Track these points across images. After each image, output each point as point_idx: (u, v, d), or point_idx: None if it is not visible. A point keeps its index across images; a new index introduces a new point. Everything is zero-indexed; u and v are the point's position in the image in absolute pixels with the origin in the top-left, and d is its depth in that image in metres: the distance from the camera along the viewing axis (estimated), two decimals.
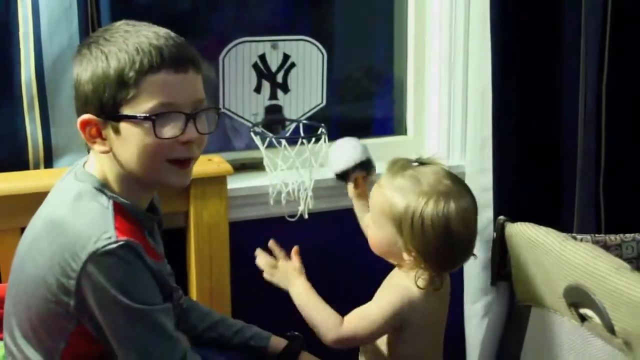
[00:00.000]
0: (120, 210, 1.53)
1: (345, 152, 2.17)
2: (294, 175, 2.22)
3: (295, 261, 1.98)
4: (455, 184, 1.85)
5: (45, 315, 1.51)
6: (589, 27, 2.46)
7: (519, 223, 2.21)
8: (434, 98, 2.57)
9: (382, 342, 1.91)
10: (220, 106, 2.34)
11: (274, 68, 2.39)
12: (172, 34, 1.55)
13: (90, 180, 1.56)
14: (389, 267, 1.96)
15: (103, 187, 1.55)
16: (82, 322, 1.50)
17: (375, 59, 2.77)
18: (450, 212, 1.78)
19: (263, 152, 2.19)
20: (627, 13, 2.49)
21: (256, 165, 2.35)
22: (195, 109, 1.55)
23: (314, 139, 2.19)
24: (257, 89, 2.39)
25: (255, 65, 2.37)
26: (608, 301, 1.89)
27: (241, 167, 2.35)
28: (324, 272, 2.39)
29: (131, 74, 1.47)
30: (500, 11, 2.33)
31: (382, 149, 2.21)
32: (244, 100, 2.37)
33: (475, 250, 1.90)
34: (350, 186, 2.18)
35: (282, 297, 1.96)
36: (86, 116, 1.52)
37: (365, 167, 2.16)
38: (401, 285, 1.85)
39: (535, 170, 2.51)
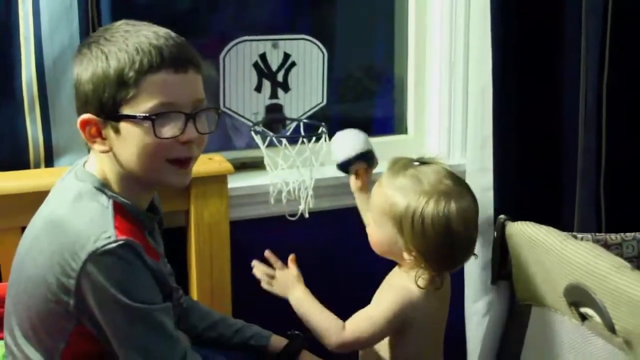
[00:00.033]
0: (120, 209, 1.53)
1: (346, 142, 2.16)
2: (294, 174, 2.22)
3: (292, 269, 1.98)
4: (456, 184, 1.85)
5: (45, 314, 1.51)
6: (589, 25, 2.46)
7: (519, 222, 2.22)
8: (434, 97, 2.57)
9: (383, 342, 1.91)
10: (221, 105, 2.34)
11: (274, 67, 2.39)
12: (172, 33, 1.55)
13: (90, 180, 1.56)
14: (390, 267, 1.96)
15: (103, 186, 1.55)
16: (82, 322, 1.50)
17: (375, 58, 2.77)
18: (451, 212, 1.78)
19: (264, 151, 2.19)
20: (627, 11, 2.50)
21: (257, 165, 2.35)
22: (195, 109, 1.55)
23: (314, 138, 2.19)
24: (258, 88, 2.39)
25: (255, 65, 2.37)
26: (608, 300, 1.89)
27: (242, 166, 2.35)
28: (325, 271, 2.40)
29: (131, 73, 1.48)
30: (500, 10, 2.33)
31: (382, 148, 2.20)
32: (244, 99, 2.37)
33: (476, 250, 1.90)
34: (352, 178, 2.17)
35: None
36: (86, 116, 1.52)
37: (366, 158, 2.14)
38: (401, 286, 1.85)
39: (535, 169, 2.51)
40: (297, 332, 1.95)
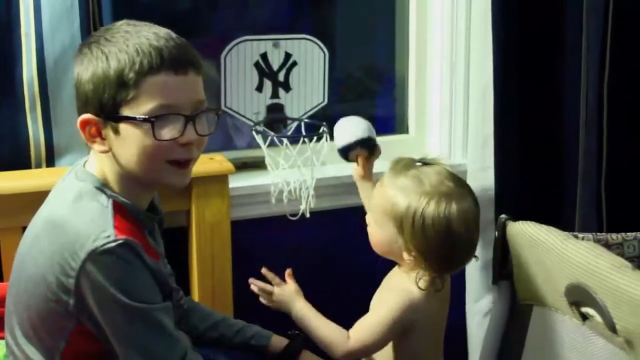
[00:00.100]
0: (120, 209, 1.53)
1: (348, 128, 2.15)
2: (295, 174, 2.22)
3: (290, 284, 1.98)
4: (458, 186, 1.85)
5: (45, 314, 1.51)
6: (590, 26, 2.46)
7: (520, 222, 2.21)
8: (435, 96, 2.57)
9: None
10: (222, 105, 2.34)
11: (275, 67, 2.39)
12: (173, 34, 1.55)
13: (90, 180, 1.56)
14: (390, 266, 1.96)
15: (103, 186, 1.55)
16: (82, 321, 1.50)
17: (376, 57, 2.77)
18: (452, 213, 1.78)
19: (265, 150, 2.20)
20: (628, 12, 2.50)
21: (258, 164, 2.35)
22: (195, 111, 1.54)
23: (315, 138, 2.19)
24: (259, 88, 2.39)
25: (256, 64, 2.37)
26: (609, 300, 1.89)
27: (243, 166, 2.35)
28: (326, 271, 2.40)
29: (131, 75, 1.48)
30: (501, 9, 2.33)
31: (383, 148, 2.20)
32: (245, 99, 2.37)
33: (477, 250, 1.90)
34: (354, 166, 2.17)
35: None
36: (86, 116, 1.53)
37: (366, 145, 2.12)
38: (402, 289, 1.85)
39: (536, 169, 2.51)
40: (297, 332, 1.95)
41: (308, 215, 2.25)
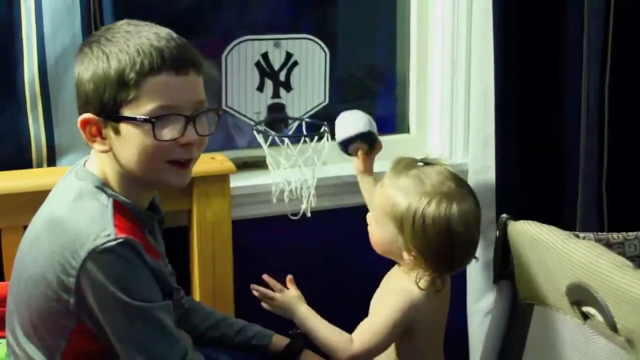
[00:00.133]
0: (120, 208, 1.53)
1: (348, 122, 2.15)
2: (296, 173, 2.22)
3: (292, 289, 1.98)
4: (459, 186, 1.85)
5: (46, 313, 1.51)
6: (591, 26, 2.46)
7: (521, 221, 2.21)
8: (436, 96, 2.57)
9: None
10: (223, 104, 2.34)
11: (276, 66, 2.39)
12: (174, 34, 1.55)
13: (90, 179, 1.56)
14: (391, 266, 1.96)
15: (103, 185, 1.55)
16: (83, 320, 1.50)
17: (377, 57, 2.77)
18: (452, 213, 1.78)
19: (266, 150, 2.20)
20: (629, 13, 2.50)
21: (259, 164, 2.35)
22: (196, 111, 1.54)
23: (316, 138, 2.19)
24: (260, 88, 2.39)
25: (257, 64, 2.37)
26: (610, 299, 1.89)
27: (244, 166, 2.35)
28: (327, 271, 2.40)
29: (132, 75, 1.48)
30: (502, 9, 2.33)
31: (384, 147, 2.20)
32: (246, 98, 2.37)
33: (478, 249, 1.90)
34: (355, 161, 2.17)
35: None
36: (86, 115, 1.53)
37: (366, 138, 2.12)
38: (402, 289, 1.85)
39: (537, 169, 2.51)
40: (298, 331, 1.95)
41: (309, 214, 2.25)
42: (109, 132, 1.52)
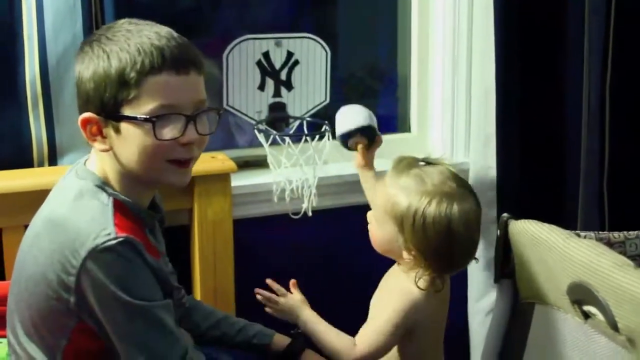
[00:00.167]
0: (120, 207, 1.53)
1: (348, 116, 2.15)
2: (297, 172, 2.22)
3: (296, 293, 1.99)
4: (460, 187, 1.84)
5: (46, 312, 1.52)
6: (592, 25, 2.46)
7: (522, 220, 2.21)
8: (437, 95, 2.57)
9: None
10: (224, 103, 2.35)
11: (277, 65, 2.39)
12: (175, 33, 1.55)
13: (91, 178, 1.56)
14: (392, 265, 1.96)
15: (104, 184, 1.56)
16: (83, 319, 1.50)
17: (379, 56, 2.77)
18: (453, 213, 1.78)
19: (267, 149, 2.20)
20: (630, 11, 2.50)
21: (260, 163, 2.35)
22: (196, 110, 1.55)
23: (317, 137, 2.20)
24: (261, 87, 2.39)
25: (259, 63, 2.37)
26: (611, 298, 1.89)
27: (245, 165, 2.35)
28: (328, 270, 2.40)
29: (132, 74, 1.48)
30: (503, 8, 2.33)
31: (385, 147, 2.21)
32: (247, 97, 2.38)
33: (479, 248, 1.90)
34: (356, 155, 2.17)
35: None
36: (87, 114, 1.53)
37: (365, 133, 2.12)
38: (402, 290, 1.85)
39: (538, 168, 2.51)
40: (299, 330, 1.95)
41: (310, 214, 2.25)
42: (109, 131, 1.52)
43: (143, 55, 1.48)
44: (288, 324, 1.97)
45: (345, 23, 2.69)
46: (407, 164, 1.89)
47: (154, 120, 1.49)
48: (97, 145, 1.55)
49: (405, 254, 1.82)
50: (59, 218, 1.51)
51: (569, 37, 2.47)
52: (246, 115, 2.38)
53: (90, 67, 1.51)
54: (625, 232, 2.27)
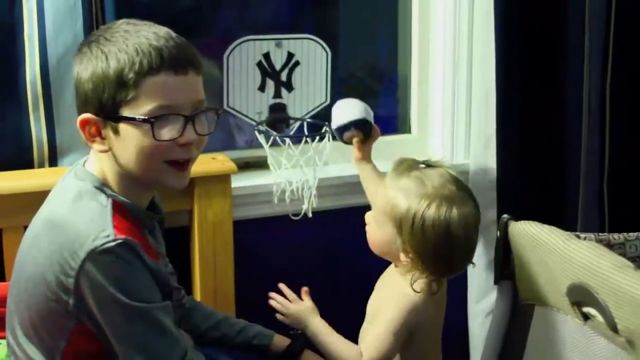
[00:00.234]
0: (119, 208, 1.53)
1: (344, 109, 2.15)
2: (298, 173, 2.23)
3: (307, 301, 1.99)
4: (460, 190, 1.84)
5: (45, 313, 1.52)
6: (592, 26, 2.46)
7: (522, 222, 2.21)
8: (438, 96, 2.57)
9: None
10: (224, 104, 2.34)
11: (278, 66, 2.39)
12: (173, 34, 1.55)
13: (90, 179, 1.56)
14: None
15: (103, 185, 1.56)
16: (82, 320, 1.50)
17: (379, 57, 2.77)
18: (452, 217, 1.78)
19: (267, 150, 2.20)
20: (630, 14, 2.50)
21: (260, 164, 2.35)
22: (195, 111, 1.55)
23: (318, 138, 2.20)
24: (261, 88, 2.39)
25: (259, 64, 2.37)
26: (611, 300, 1.89)
27: (245, 166, 2.35)
28: (328, 271, 2.40)
29: (131, 75, 1.48)
30: (504, 10, 2.33)
31: (386, 148, 2.21)
32: (248, 98, 2.37)
33: (478, 249, 1.90)
34: (353, 150, 2.17)
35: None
36: (86, 115, 1.53)
37: (360, 126, 2.13)
38: (400, 294, 1.85)
39: (538, 169, 2.51)
40: (299, 331, 1.95)
41: (310, 215, 2.25)
42: (108, 132, 1.52)
43: (141, 56, 1.48)
44: (288, 325, 1.97)
45: (346, 24, 2.69)
46: (407, 166, 1.88)
47: (153, 121, 1.49)
48: (96, 146, 1.55)
49: (402, 256, 1.82)
50: (58, 219, 1.51)
51: (569, 38, 2.47)
52: (246, 116, 2.38)
53: (89, 68, 1.51)
54: (625, 234, 2.27)
